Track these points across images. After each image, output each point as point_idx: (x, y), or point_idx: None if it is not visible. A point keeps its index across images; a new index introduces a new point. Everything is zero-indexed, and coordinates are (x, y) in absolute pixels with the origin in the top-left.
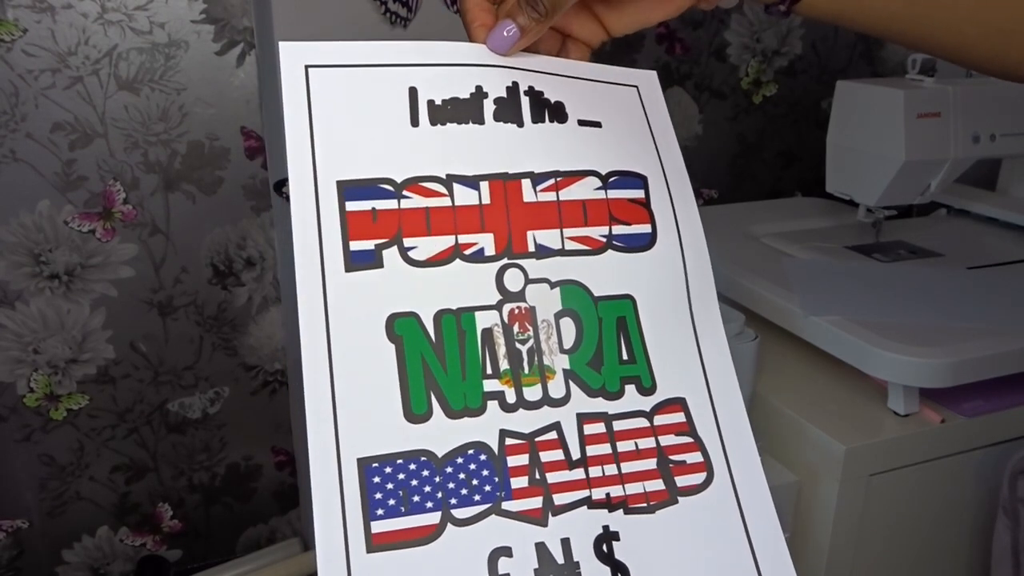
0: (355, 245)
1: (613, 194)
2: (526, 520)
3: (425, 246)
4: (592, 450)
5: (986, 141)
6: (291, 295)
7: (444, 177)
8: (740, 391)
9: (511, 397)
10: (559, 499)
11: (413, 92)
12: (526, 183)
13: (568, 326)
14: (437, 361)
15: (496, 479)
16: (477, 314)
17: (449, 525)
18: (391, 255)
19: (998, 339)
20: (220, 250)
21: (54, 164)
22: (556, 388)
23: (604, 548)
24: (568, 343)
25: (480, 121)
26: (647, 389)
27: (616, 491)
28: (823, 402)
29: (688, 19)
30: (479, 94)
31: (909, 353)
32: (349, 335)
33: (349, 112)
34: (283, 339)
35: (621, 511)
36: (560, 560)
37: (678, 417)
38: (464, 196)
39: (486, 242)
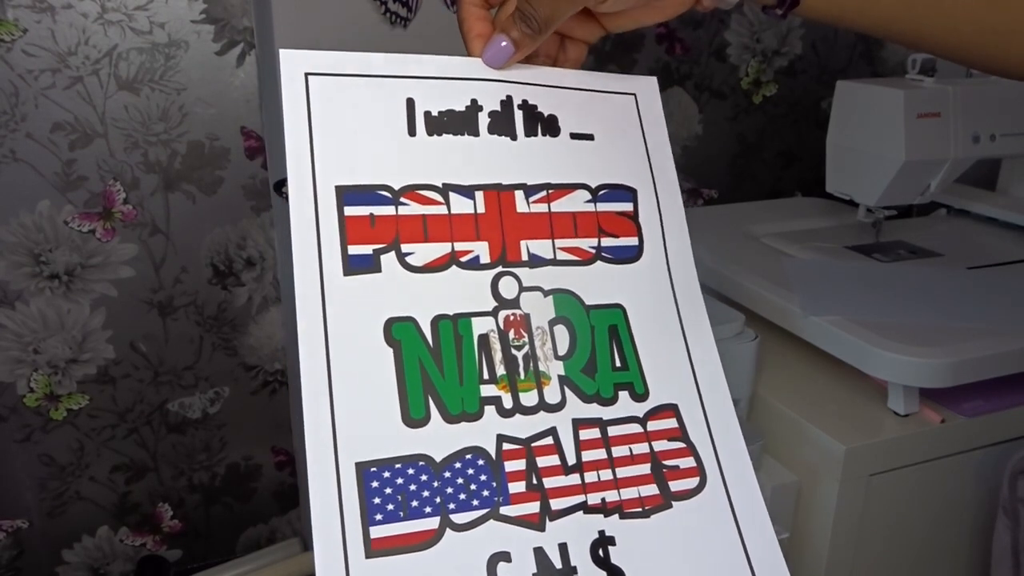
0: (353, 249)
1: (602, 207)
2: (524, 525)
3: (422, 252)
4: (588, 455)
5: (986, 141)
6: (291, 295)
7: (440, 186)
8: (730, 396)
9: (508, 402)
10: (556, 504)
11: (410, 103)
12: (519, 194)
13: (562, 333)
14: (435, 366)
15: (494, 484)
16: (473, 320)
17: (448, 530)
18: (389, 260)
19: (998, 339)
20: (220, 250)
21: (54, 164)
22: (552, 394)
23: (600, 553)
24: (562, 350)
25: (475, 133)
26: (640, 395)
27: (611, 496)
28: (823, 402)
29: (688, 19)
30: (474, 107)
31: (909, 353)
32: (347, 339)
33: (348, 120)
34: (283, 339)
35: (616, 516)
36: (558, 565)
37: (671, 423)
38: (460, 205)
39: (481, 250)
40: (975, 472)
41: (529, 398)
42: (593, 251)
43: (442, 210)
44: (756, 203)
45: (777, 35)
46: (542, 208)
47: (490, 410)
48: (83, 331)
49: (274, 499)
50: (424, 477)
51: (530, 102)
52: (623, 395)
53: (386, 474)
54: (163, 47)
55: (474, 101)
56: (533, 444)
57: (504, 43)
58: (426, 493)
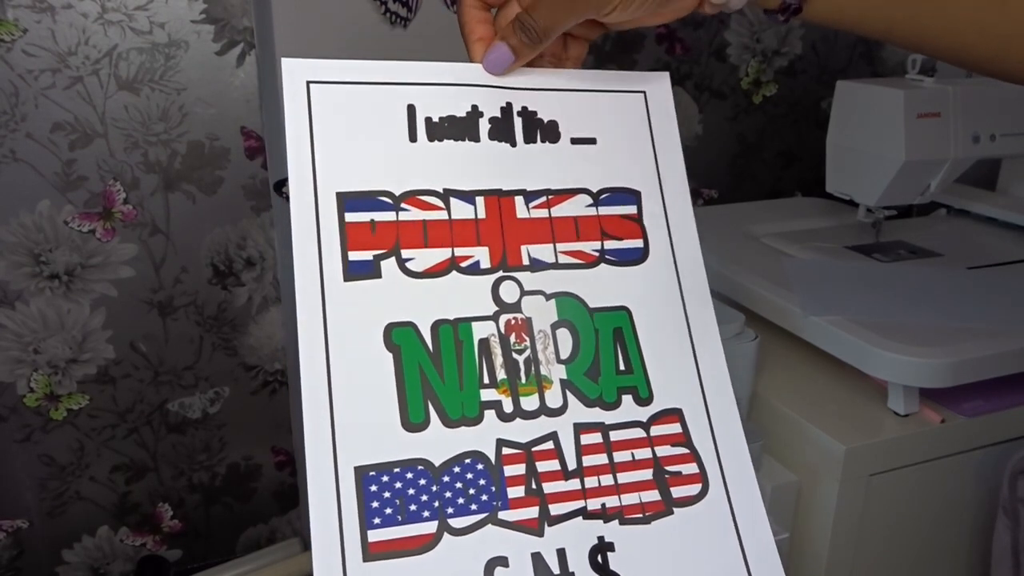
0: (354, 255)
1: (604, 211)
2: (522, 530)
3: (422, 258)
4: (588, 460)
5: (986, 141)
6: (291, 295)
7: (441, 191)
8: (735, 401)
9: (508, 407)
10: (555, 509)
11: (411, 109)
12: (519, 200)
13: (565, 336)
14: (435, 370)
15: (493, 488)
16: (474, 324)
17: (446, 534)
18: (389, 266)
19: (998, 339)
20: (220, 250)
21: (54, 164)
22: (553, 398)
23: (599, 559)
24: (565, 353)
25: (476, 139)
26: (644, 399)
27: (612, 502)
28: (823, 402)
29: (688, 19)
30: (475, 113)
31: (909, 353)
32: (347, 344)
33: (349, 127)
34: (283, 339)
35: (616, 522)
36: (556, 570)
37: (674, 428)
38: (460, 210)
39: (482, 255)
40: (975, 472)
41: (530, 402)
42: (596, 254)
43: (443, 216)
44: (756, 203)
45: (777, 35)
46: (542, 213)
47: (490, 414)
48: (83, 331)
49: (274, 499)
50: (423, 481)
51: (530, 108)
52: (626, 399)
53: (385, 478)
54: (163, 47)
55: (475, 107)
56: (533, 449)
57: (504, 51)
58: (424, 497)
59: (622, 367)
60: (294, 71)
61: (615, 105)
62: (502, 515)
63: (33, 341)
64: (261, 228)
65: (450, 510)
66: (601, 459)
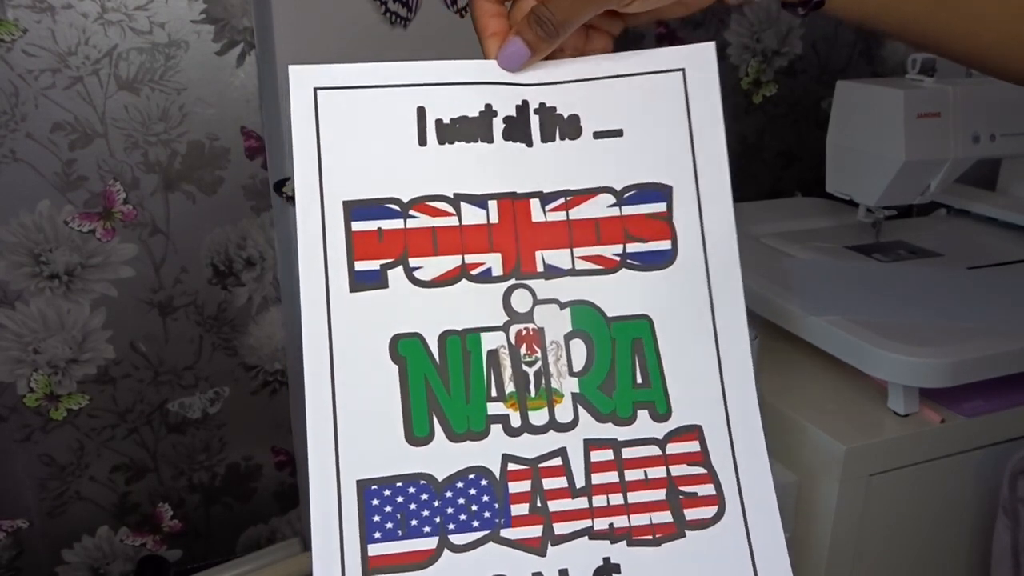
0: (360, 265)
1: (629, 210)
2: (524, 549)
3: (431, 266)
4: (598, 478)
5: (986, 141)
6: (291, 295)
7: (451, 196)
8: (760, 419)
9: (516, 421)
10: (560, 528)
11: (421, 111)
12: (535, 203)
13: (579, 348)
14: (440, 383)
15: (496, 505)
16: (483, 335)
17: (446, 550)
18: (396, 275)
19: (998, 339)
20: (220, 250)
21: (54, 164)
22: (563, 412)
23: None
24: (578, 366)
25: (489, 140)
26: (661, 415)
27: (620, 522)
28: (823, 402)
29: (688, 19)
30: (488, 112)
31: (909, 353)
32: (352, 356)
33: (357, 133)
34: (283, 339)
35: (624, 542)
36: None
37: (692, 446)
38: (472, 215)
39: (493, 262)
40: (975, 472)
41: (539, 417)
42: (617, 258)
43: (453, 221)
44: (756, 203)
45: (777, 35)
46: (560, 216)
47: (497, 429)
48: (83, 331)
49: (274, 499)
50: (425, 496)
51: (548, 104)
52: (642, 415)
53: (387, 492)
54: (163, 47)
55: (488, 106)
56: (540, 465)
57: (519, 46)
58: (426, 512)
59: (639, 380)
60: (301, 78)
61: (647, 89)
62: (504, 533)
63: (33, 341)
64: (261, 228)
65: (451, 526)
66: (611, 477)
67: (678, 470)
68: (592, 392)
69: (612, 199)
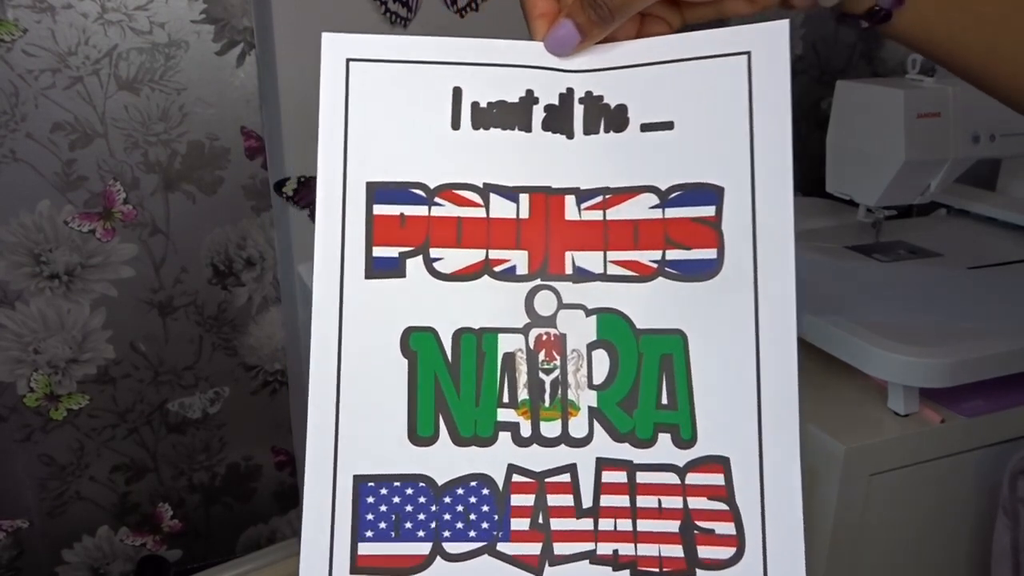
0: (378, 251)
1: (672, 213)
2: (520, 566)
3: (453, 258)
4: (607, 500)
5: (986, 141)
6: (291, 295)
7: (481, 186)
8: (799, 456)
9: (526, 430)
10: (560, 548)
11: (457, 92)
12: (570, 199)
13: (601, 359)
14: (451, 382)
15: (496, 517)
16: (500, 336)
17: (438, 558)
18: (415, 265)
19: (998, 339)
20: (220, 250)
21: (54, 164)
22: (578, 426)
23: None
24: (599, 378)
25: (527, 128)
26: (685, 441)
27: (626, 549)
28: (823, 402)
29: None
30: (529, 99)
31: (909, 353)
32: (361, 344)
33: (387, 110)
34: (283, 339)
35: (628, 572)
36: None
37: (716, 479)
38: (501, 208)
39: (519, 259)
40: (975, 472)
41: (551, 428)
42: (655, 265)
43: (480, 213)
44: None
45: None
46: (596, 215)
47: (505, 436)
48: (83, 331)
49: (274, 499)
50: (422, 499)
51: (595, 93)
52: (664, 438)
53: (383, 491)
54: (163, 47)
55: (529, 92)
56: (547, 479)
57: (569, 29)
58: (422, 516)
59: (664, 401)
60: (334, 47)
61: (705, 75)
62: (501, 547)
63: (33, 341)
64: (261, 228)
65: (447, 533)
66: (622, 501)
67: (697, 503)
68: (611, 408)
69: (655, 199)
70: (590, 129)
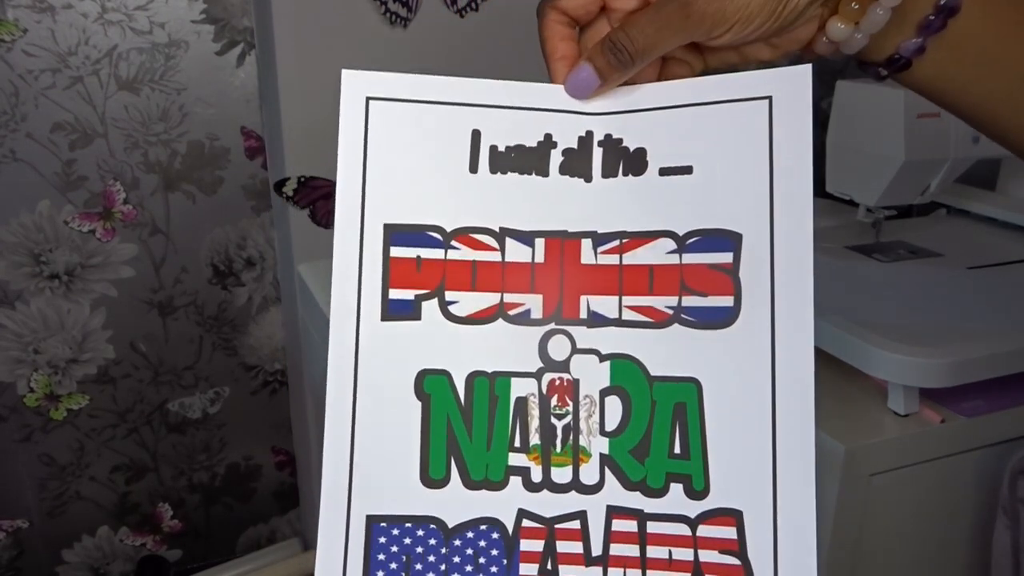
0: (395, 294)
1: (689, 259)
2: None
3: (467, 302)
4: (617, 549)
5: (986, 141)
6: (291, 295)
7: (497, 230)
8: (814, 511)
9: (537, 476)
10: None
11: (476, 135)
12: (586, 243)
13: (614, 406)
14: (463, 426)
15: (504, 561)
16: (513, 380)
17: None
18: (430, 308)
19: (998, 339)
20: (220, 250)
21: (54, 164)
22: (589, 473)
23: None
24: (611, 425)
25: (544, 173)
26: (697, 492)
27: None
28: (823, 402)
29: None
30: (547, 143)
31: (909, 353)
32: (376, 386)
33: (406, 152)
34: (283, 339)
35: None
36: None
37: (728, 532)
38: (516, 252)
39: (534, 304)
40: (975, 472)
41: (562, 474)
42: (671, 311)
43: (495, 257)
44: None
45: None
46: (612, 260)
47: (516, 481)
48: (83, 331)
49: (274, 499)
50: (433, 541)
51: (614, 136)
52: (676, 488)
53: (395, 531)
54: (163, 47)
55: (548, 136)
56: (557, 526)
57: (589, 73)
58: (432, 558)
59: (677, 450)
60: (354, 85)
61: (725, 120)
62: None
63: (33, 341)
64: (261, 228)
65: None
66: (632, 550)
67: (708, 556)
68: (622, 455)
69: (672, 245)
70: (608, 172)
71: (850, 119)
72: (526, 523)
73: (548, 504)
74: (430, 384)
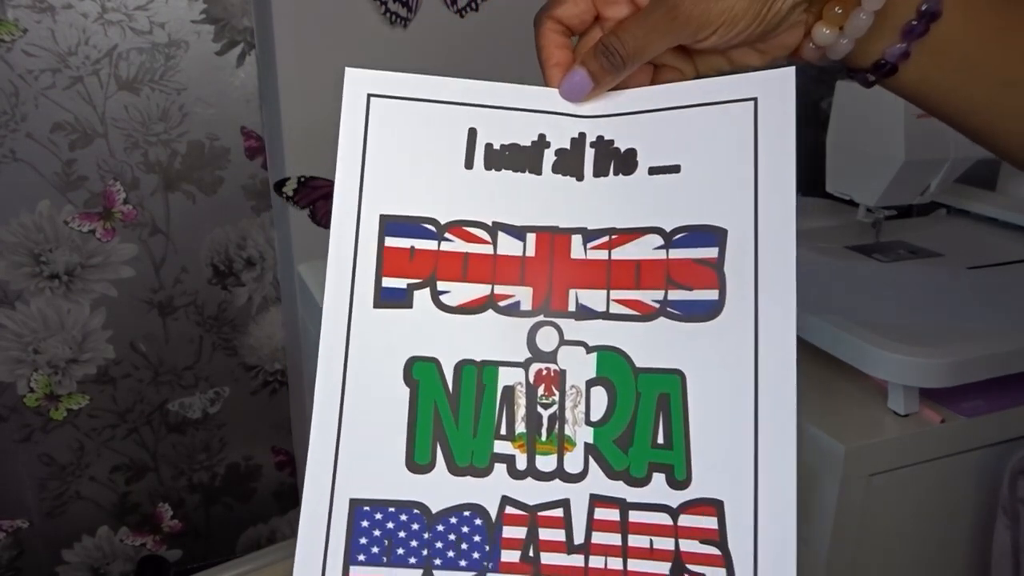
0: (387, 282)
1: (676, 254)
2: None
3: (458, 292)
4: (599, 537)
5: None
6: (291, 295)
7: (490, 224)
8: (795, 503)
9: (521, 463)
10: None
11: (472, 133)
12: (576, 239)
13: (599, 396)
14: (449, 412)
15: (486, 547)
16: (501, 369)
17: None
18: (422, 296)
19: (998, 339)
20: (220, 250)
21: (54, 164)
22: (573, 462)
23: None
24: (596, 415)
25: (537, 171)
26: (679, 482)
27: None
28: (823, 402)
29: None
30: (541, 143)
31: (909, 353)
32: (366, 371)
33: (404, 146)
34: (283, 339)
35: None
36: None
37: (709, 522)
38: (507, 246)
39: (523, 295)
40: (975, 472)
41: (546, 463)
42: (656, 305)
43: (487, 249)
44: None
45: None
46: (600, 255)
47: (500, 468)
48: (83, 331)
49: (274, 499)
50: (415, 526)
51: (606, 137)
52: (658, 478)
53: (378, 515)
54: (163, 47)
55: (542, 136)
56: (539, 513)
57: (582, 76)
58: (414, 543)
59: (660, 440)
60: (356, 81)
61: (712, 121)
62: None
63: (33, 341)
64: (261, 228)
65: (437, 560)
66: (613, 539)
67: (688, 545)
68: (606, 445)
69: (660, 240)
70: (600, 172)
71: (850, 119)
72: (509, 510)
73: (532, 491)
74: (419, 370)
